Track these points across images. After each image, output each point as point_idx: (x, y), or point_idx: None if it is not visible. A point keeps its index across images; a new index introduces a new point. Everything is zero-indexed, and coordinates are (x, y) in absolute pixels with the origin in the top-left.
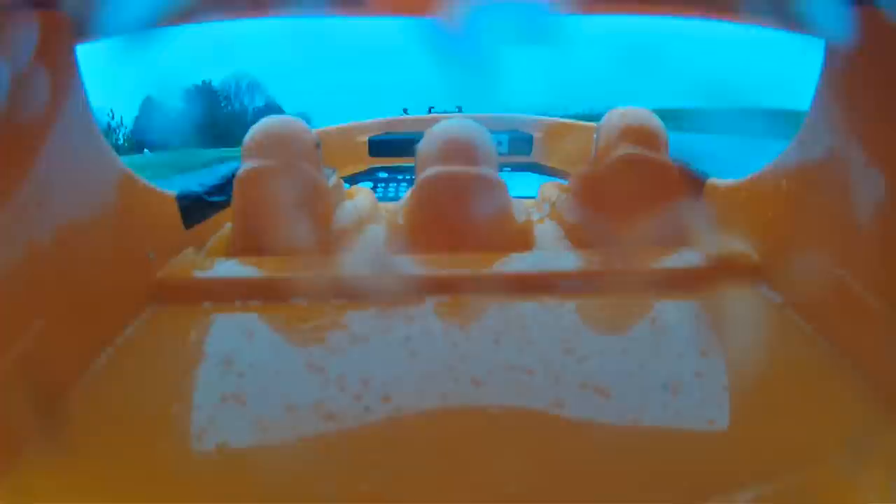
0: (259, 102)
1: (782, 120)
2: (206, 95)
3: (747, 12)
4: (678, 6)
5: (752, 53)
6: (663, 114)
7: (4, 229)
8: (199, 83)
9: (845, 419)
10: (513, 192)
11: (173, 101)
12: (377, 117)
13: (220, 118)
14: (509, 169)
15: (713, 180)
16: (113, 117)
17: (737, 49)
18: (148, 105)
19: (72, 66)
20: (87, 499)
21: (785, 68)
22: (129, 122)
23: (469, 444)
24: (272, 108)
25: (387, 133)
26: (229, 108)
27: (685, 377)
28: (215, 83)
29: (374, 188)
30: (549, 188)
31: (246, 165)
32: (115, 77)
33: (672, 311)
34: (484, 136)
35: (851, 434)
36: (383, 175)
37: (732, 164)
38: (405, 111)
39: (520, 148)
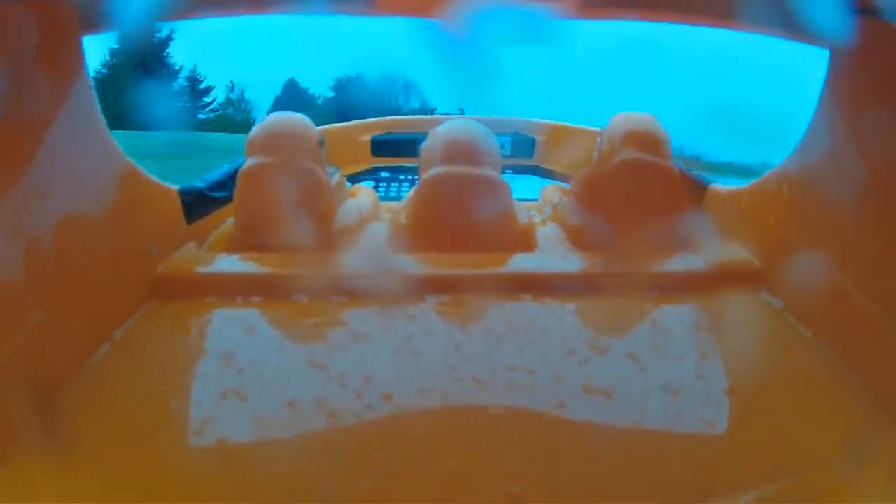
0: (414, 104)
1: None
2: (358, 88)
3: (751, 21)
4: (682, 14)
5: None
6: None
7: (6, 221)
8: (353, 74)
9: (845, 423)
10: (515, 195)
11: (320, 88)
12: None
13: (371, 114)
14: (511, 171)
15: (715, 186)
16: (232, 90)
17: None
18: (290, 87)
19: (77, 57)
20: (85, 494)
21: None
22: (267, 100)
23: (470, 444)
24: (427, 112)
25: (389, 133)
26: (384, 104)
27: (686, 380)
28: (368, 78)
29: (376, 187)
30: (551, 191)
31: (249, 162)
32: (254, 52)
33: (673, 314)
34: (488, 138)
35: (851, 437)
36: (385, 174)
37: None
38: (433, 111)
39: (522, 150)
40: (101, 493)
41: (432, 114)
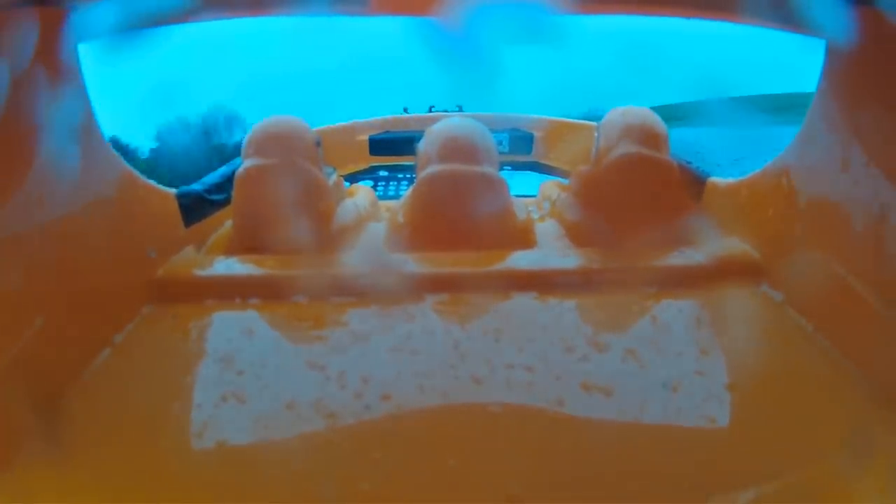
0: (238, 136)
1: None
2: (182, 133)
3: (748, 13)
4: (678, 6)
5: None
6: (663, 111)
7: (5, 227)
8: (173, 120)
9: (845, 418)
10: (513, 191)
11: (143, 140)
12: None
13: (198, 156)
14: (510, 168)
15: (714, 179)
16: None
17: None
18: (112, 145)
19: (73, 64)
20: (87, 498)
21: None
22: None
23: (469, 443)
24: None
25: (387, 132)
26: (208, 144)
27: (686, 376)
28: (191, 118)
29: (375, 187)
30: (550, 187)
31: (246, 163)
32: None
33: (673, 309)
34: (485, 135)
35: (851, 433)
36: (384, 173)
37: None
38: (405, 110)
39: (520, 147)
40: (103, 496)
41: (430, 111)
